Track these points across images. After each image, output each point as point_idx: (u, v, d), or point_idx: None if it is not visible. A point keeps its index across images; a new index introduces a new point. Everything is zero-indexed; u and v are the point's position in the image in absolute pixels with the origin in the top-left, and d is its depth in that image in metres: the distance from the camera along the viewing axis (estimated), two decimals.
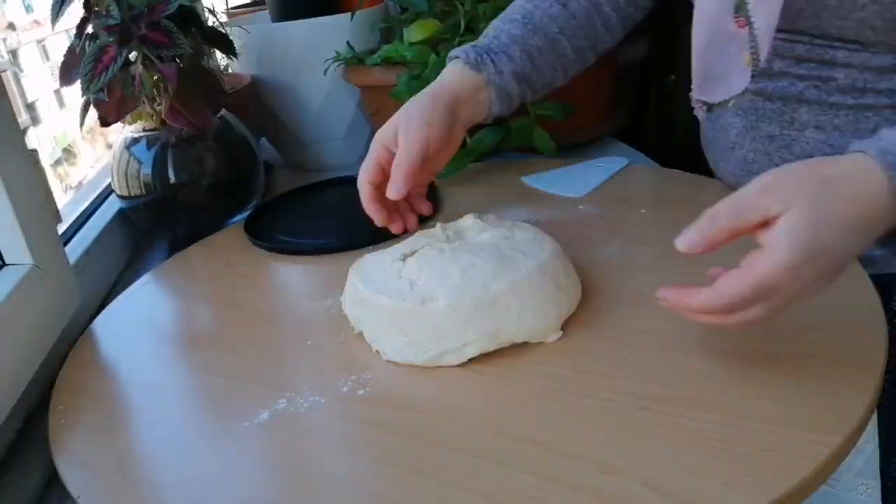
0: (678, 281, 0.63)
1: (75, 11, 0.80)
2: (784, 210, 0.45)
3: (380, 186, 0.71)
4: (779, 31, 0.66)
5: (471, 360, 0.56)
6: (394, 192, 0.68)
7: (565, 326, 0.59)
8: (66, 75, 0.81)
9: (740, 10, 0.64)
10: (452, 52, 0.77)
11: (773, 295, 0.46)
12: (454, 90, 0.74)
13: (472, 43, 0.78)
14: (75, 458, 0.53)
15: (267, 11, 1.18)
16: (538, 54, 0.78)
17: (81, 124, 0.83)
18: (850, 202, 0.46)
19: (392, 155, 0.70)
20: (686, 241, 0.48)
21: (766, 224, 0.46)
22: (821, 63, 0.66)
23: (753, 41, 0.64)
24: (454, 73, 0.76)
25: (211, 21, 0.99)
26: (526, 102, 0.83)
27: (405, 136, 0.69)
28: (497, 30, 0.78)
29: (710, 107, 0.72)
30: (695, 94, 0.73)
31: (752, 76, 0.66)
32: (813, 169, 0.47)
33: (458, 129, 0.74)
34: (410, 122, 0.70)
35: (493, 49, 0.76)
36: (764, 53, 0.64)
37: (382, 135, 0.71)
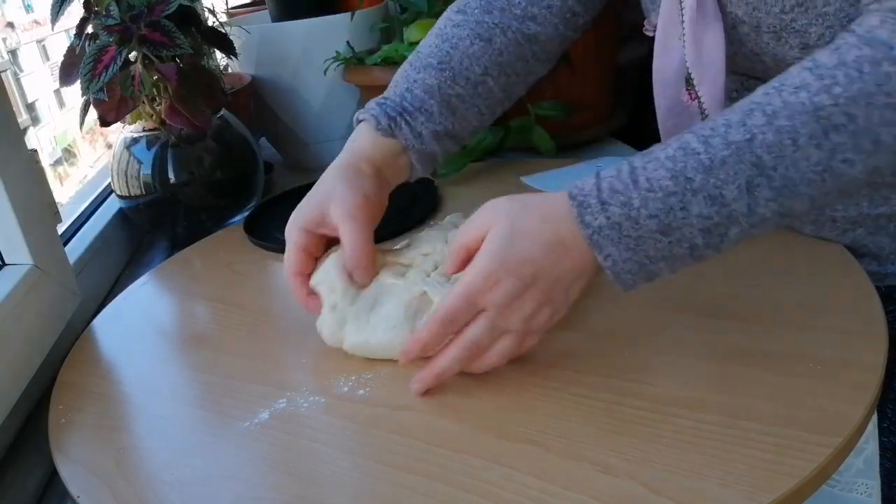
0: (678, 281, 0.63)
1: (75, 11, 0.80)
2: (489, 230, 0.51)
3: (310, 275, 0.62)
4: (745, 74, 0.68)
5: None
6: (367, 279, 0.60)
7: (565, 327, 0.59)
8: (66, 75, 0.81)
9: (689, 84, 0.65)
10: (360, 114, 0.66)
11: (483, 304, 0.51)
12: (371, 158, 0.64)
13: (382, 98, 0.67)
14: (75, 458, 0.53)
15: (267, 11, 1.18)
16: (459, 103, 0.68)
17: (81, 124, 0.83)
18: (543, 221, 0.51)
19: (316, 238, 0.62)
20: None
21: None
22: None
23: (703, 114, 0.65)
24: (366, 140, 0.65)
25: (211, 21, 0.99)
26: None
27: (349, 217, 0.59)
28: (409, 80, 0.67)
29: None
30: None
31: None
32: (516, 196, 0.53)
33: (385, 191, 0.65)
34: (345, 202, 0.59)
35: (408, 108, 0.66)
36: None
37: (301, 220, 0.62)
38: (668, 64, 0.66)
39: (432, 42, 0.70)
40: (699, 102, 0.65)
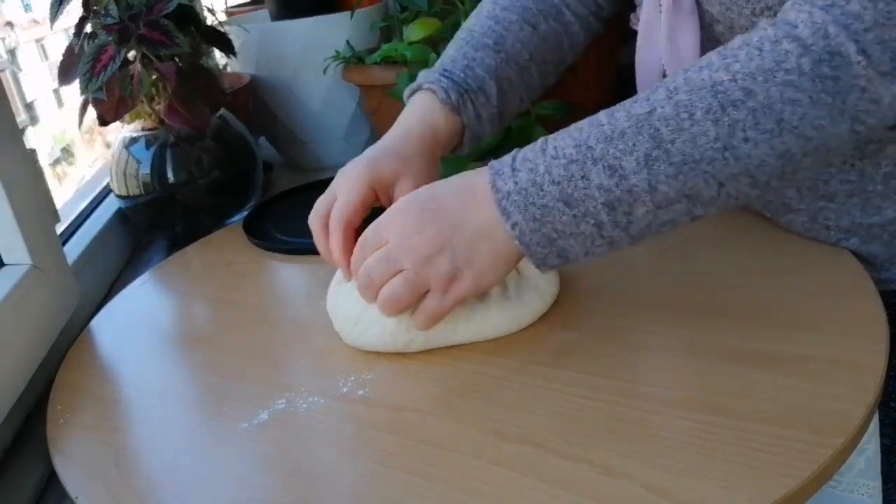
0: (678, 281, 0.63)
1: (74, 10, 0.79)
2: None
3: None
4: None
5: (471, 362, 0.56)
6: None
7: (566, 326, 0.59)
8: (65, 74, 0.81)
9: None
10: (425, 82, 0.66)
11: (386, 234, 0.53)
12: (442, 138, 0.65)
13: (443, 69, 0.67)
14: (73, 459, 0.53)
15: (266, 10, 1.17)
16: (508, 87, 0.69)
17: (80, 124, 0.83)
18: (459, 177, 0.54)
19: (372, 194, 0.61)
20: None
21: None
22: None
23: None
24: (437, 115, 0.65)
25: (210, 20, 0.99)
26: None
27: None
28: (468, 57, 0.68)
29: None
30: None
31: None
32: None
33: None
34: (419, 185, 0.58)
35: (471, 87, 0.66)
36: None
37: (375, 175, 0.60)
38: (649, 59, 0.66)
39: (485, 22, 0.70)
40: None
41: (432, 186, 0.54)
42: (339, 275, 0.62)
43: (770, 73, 0.45)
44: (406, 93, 0.68)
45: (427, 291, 0.54)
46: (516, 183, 0.50)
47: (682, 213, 0.49)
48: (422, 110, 0.66)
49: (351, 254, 0.58)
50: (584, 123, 0.50)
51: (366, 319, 0.58)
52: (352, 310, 0.59)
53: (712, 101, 0.46)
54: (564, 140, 0.50)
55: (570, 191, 0.49)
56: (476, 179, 0.52)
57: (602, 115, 0.50)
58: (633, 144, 0.47)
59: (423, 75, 0.67)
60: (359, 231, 0.58)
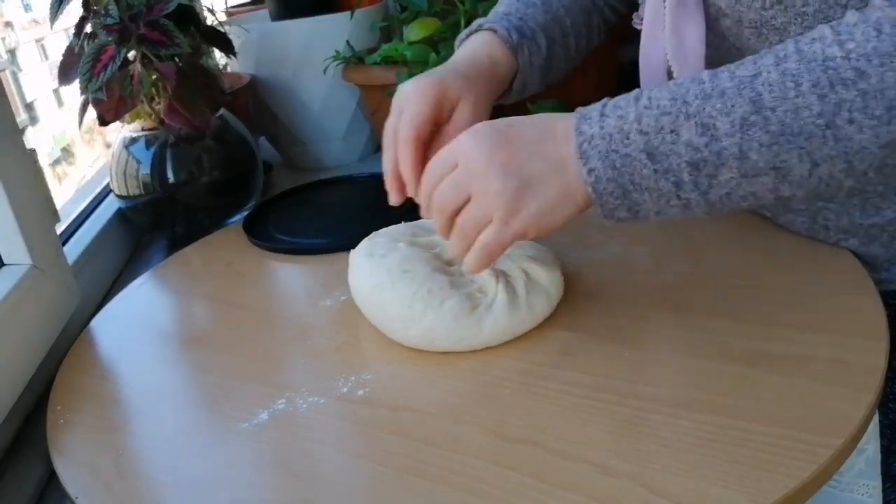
0: (678, 281, 0.63)
1: (74, 10, 0.80)
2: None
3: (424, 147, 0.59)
4: None
5: (471, 362, 0.56)
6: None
7: (566, 326, 0.59)
8: (65, 74, 0.81)
9: (670, 77, 0.65)
10: (485, 23, 0.67)
11: (462, 159, 0.51)
12: (497, 71, 0.65)
13: (500, 15, 0.68)
14: (73, 459, 0.53)
15: (266, 10, 1.17)
16: (553, 46, 0.70)
17: (80, 123, 0.83)
18: (541, 118, 0.52)
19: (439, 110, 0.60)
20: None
21: None
22: None
23: None
24: (497, 51, 0.65)
25: (210, 20, 0.99)
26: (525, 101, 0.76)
27: (478, 108, 0.61)
28: (520, 12, 0.69)
29: None
30: None
31: None
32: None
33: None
34: (474, 102, 0.60)
35: (526, 34, 0.67)
36: None
37: (438, 88, 0.59)
38: (653, 56, 0.66)
39: None
40: None
41: (510, 118, 0.52)
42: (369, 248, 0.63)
43: (888, 56, 0.43)
44: (461, 35, 0.68)
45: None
46: (602, 128, 0.48)
47: (768, 189, 0.47)
48: (486, 45, 0.65)
49: (421, 170, 0.56)
50: (684, 79, 0.48)
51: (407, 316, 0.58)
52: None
53: (821, 75, 0.44)
54: (661, 92, 0.48)
55: (656, 143, 0.47)
56: (560, 120, 0.50)
57: (705, 74, 0.48)
58: (732, 105, 0.45)
59: (478, 21, 0.67)
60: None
